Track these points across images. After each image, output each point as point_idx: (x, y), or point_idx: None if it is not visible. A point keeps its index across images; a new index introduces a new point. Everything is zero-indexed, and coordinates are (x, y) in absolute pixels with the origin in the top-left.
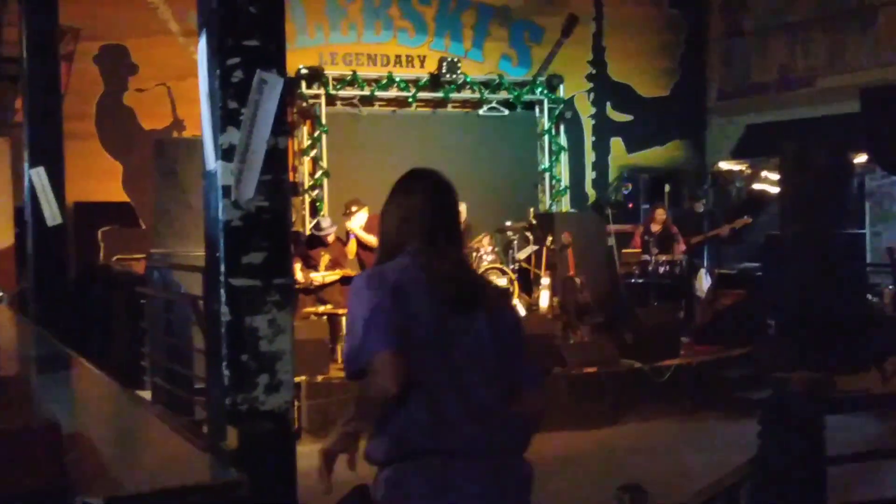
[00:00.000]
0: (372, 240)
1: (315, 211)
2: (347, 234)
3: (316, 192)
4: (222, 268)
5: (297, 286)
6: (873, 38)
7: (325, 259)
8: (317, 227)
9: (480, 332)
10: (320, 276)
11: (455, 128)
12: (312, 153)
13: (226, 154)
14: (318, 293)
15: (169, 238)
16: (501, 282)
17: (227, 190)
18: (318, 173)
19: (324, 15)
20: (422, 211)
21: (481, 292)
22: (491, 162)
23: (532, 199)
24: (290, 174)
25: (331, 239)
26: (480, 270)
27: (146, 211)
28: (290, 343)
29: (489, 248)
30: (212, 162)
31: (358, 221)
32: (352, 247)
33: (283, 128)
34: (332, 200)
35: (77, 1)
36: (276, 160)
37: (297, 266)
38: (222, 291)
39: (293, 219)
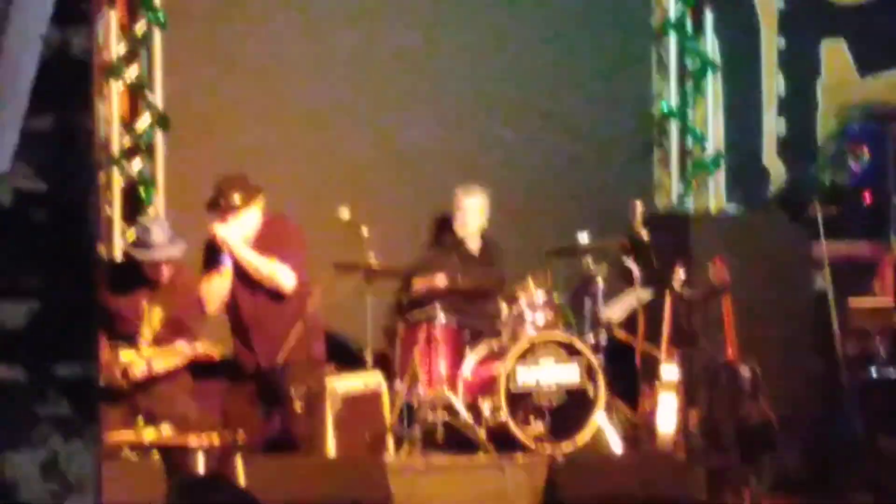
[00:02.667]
0: (272, 272)
1: (135, 208)
2: (210, 253)
3: (138, 162)
4: None
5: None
6: None
7: (152, 315)
8: (140, 241)
9: None
10: (142, 359)
11: (466, 16)
12: (129, 74)
13: None
14: (137, 396)
15: None
16: (568, 373)
17: None
18: (144, 120)
19: None
20: None
21: None
22: (545, 98)
23: (639, 183)
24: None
25: (164, 272)
26: (516, 350)
27: None
28: None
29: (540, 297)
30: None
31: (241, 227)
32: (218, 285)
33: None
34: (174, 183)
35: None
36: (69, 87)
37: None
38: None
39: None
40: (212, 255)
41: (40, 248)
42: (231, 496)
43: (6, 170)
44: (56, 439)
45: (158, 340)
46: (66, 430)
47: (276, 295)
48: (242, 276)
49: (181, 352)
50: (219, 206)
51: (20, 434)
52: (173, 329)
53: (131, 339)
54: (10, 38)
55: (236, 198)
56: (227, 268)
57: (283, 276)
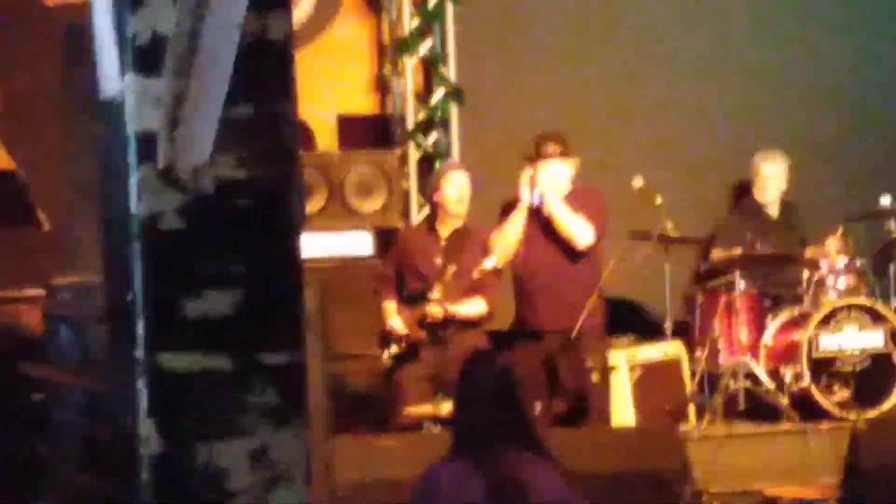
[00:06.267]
0: (570, 223)
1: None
2: (508, 209)
3: (433, 136)
4: (140, 328)
5: (396, 342)
6: None
7: (446, 272)
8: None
9: None
10: (439, 306)
11: None
12: (422, 48)
13: (144, 60)
14: (434, 367)
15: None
16: (872, 339)
17: (145, 144)
18: (438, 94)
19: None
20: (478, 418)
21: None
22: (840, 58)
23: None
24: (374, 95)
25: (455, 206)
26: (819, 316)
27: (47, 189)
28: None
29: (841, 261)
30: (114, 80)
31: (555, 175)
32: (511, 228)
33: None
34: (469, 156)
35: None
36: (268, 73)
37: (390, 307)
38: (141, 384)
39: (385, 203)
40: (509, 210)
41: (244, 235)
42: (498, 370)
43: (207, 159)
44: (264, 428)
45: (452, 297)
46: (274, 419)
47: (568, 256)
48: (537, 233)
49: (480, 301)
50: (534, 156)
51: (228, 423)
52: (466, 286)
53: (422, 296)
54: (209, 27)
55: (551, 147)
56: (524, 205)
57: (580, 229)
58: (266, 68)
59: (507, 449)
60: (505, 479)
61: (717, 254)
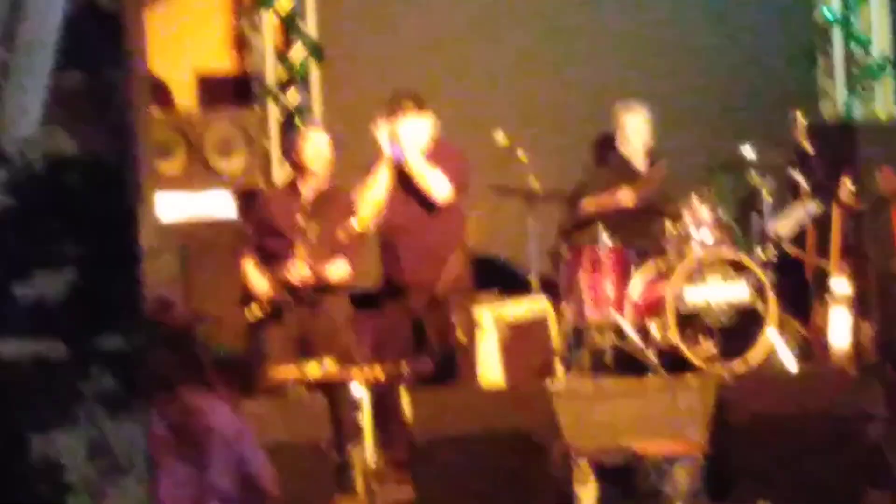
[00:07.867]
0: (428, 176)
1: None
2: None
3: (294, 94)
4: None
5: (258, 304)
6: None
7: (309, 230)
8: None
9: None
10: (303, 267)
11: None
12: (281, 4)
13: None
14: (299, 328)
15: None
16: (737, 291)
17: None
18: (298, 51)
19: None
20: (154, 362)
21: None
22: (705, 10)
23: (804, 93)
24: (234, 52)
25: (315, 166)
26: (684, 269)
27: None
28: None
29: (706, 214)
30: None
31: (413, 130)
32: (377, 181)
33: None
34: (330, 114)
35: None
36: (98, 42)
37: (251, 268)
38: None
39: (246, 163)
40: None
41: (76, 213)
42: (173, 314)
43: (33, 132)
44: (102, 416)
45: (315, 258)
46: (112, 407)
47: (429, 212)
48: (399, 189)
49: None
50: (391, 111)
51: (64, 412)
52: (330, 247)
53: (288, 259)
54: None
55: (409, 103)
56: (386, 161)
57: (438, 182)
58: (97, 35)
59: (184, 389)
60: (185, 418)
61: (587, 204)
